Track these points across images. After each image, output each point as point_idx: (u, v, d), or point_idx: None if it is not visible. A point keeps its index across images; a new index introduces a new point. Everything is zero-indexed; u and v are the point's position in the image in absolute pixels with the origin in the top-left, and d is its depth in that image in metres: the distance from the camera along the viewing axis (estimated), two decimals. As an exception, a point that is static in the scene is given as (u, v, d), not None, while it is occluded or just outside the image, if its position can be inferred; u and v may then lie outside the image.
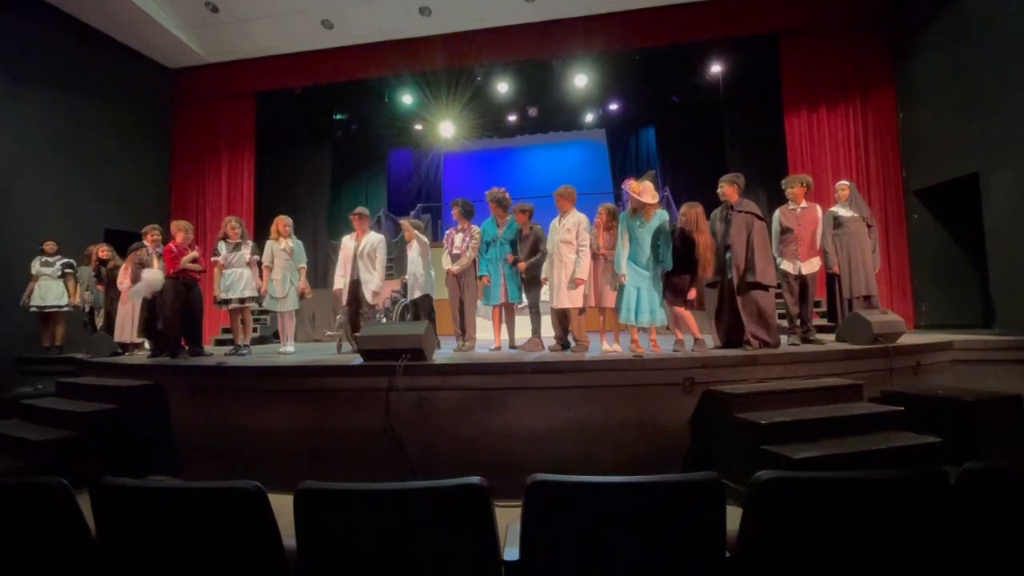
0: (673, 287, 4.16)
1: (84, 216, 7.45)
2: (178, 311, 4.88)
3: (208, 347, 5.78)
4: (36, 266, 6.44)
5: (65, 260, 6.48)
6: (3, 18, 6.64)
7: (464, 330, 4.79)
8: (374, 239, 5.15)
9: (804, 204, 4.59)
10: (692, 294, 4.16)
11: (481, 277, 4.78)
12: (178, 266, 4.88)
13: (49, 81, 7.18)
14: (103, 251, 6.24)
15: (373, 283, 5.06)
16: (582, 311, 4.34)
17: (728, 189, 4.28)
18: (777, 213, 4.67)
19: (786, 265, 4.53)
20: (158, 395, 4.07)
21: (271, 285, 5.19)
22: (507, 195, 4.78)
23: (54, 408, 4.03)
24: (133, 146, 8.42)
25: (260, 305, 5.39)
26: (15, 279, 6.42)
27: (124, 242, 6.13)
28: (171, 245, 5.00)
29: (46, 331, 6.51)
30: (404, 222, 5.34)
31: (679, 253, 4.07)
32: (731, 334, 4.21)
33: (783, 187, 4.75)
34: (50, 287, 6.41)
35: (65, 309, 6.49)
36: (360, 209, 5.29)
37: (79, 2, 7.24)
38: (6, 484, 1.52)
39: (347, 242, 5.28)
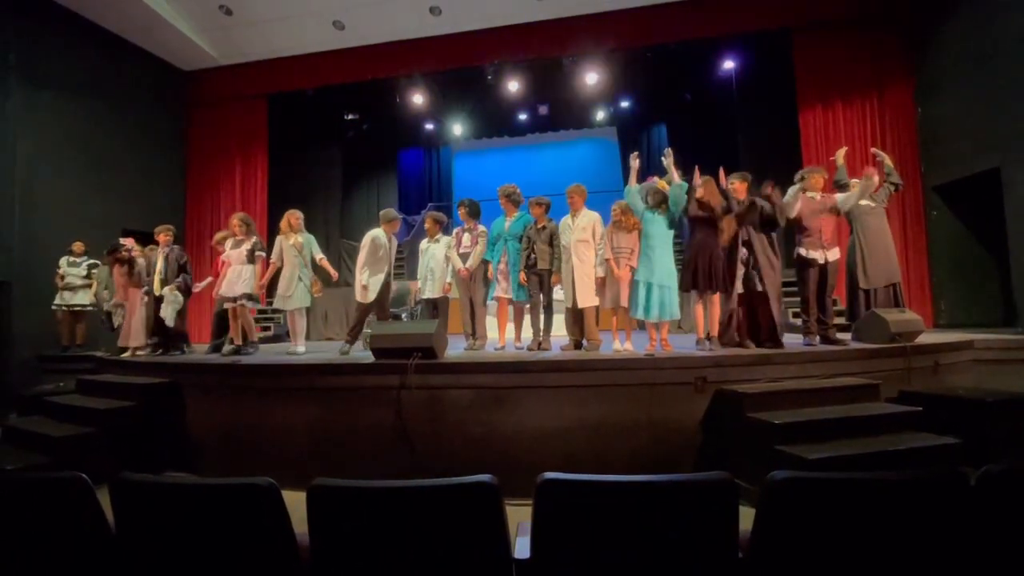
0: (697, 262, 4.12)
1: (102, 216, 7.59)
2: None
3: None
4: (63, 265, 6.59)
5: (91, 261, 6.61)
6: (23, 25, 6.79)
7: (474, 329, 4.80)
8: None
9: (822, 195, 4.48)
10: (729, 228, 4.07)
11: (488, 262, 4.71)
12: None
13: (68, 85, 7.33)
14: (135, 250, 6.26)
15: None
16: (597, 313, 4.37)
17: (739, 186, 4.26)
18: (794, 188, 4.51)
19: (812, 253, 4.37)
20: (175, 393, 4.14)
21: (280, 283, 4.98)
22: (518, 191, 4.76)
23: (75, 405, 4.13)
24: (149, 147, 8.57)
25: (254, 302, 5.09)
26: (36, 279, 6.57)
27: (140, 242, 6.21)
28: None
29: (66, 330, 6.64)
30: (431, 215, 5.12)
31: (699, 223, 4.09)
32: (758, 335, 4.18)
33: (798, 179, 4.59)
34: (76, 286, 6.56)
35: (90, 308, 6.64)
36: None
37: (97, 7, 7.38)
38: (30, 478, 1.57)
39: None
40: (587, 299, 4.26)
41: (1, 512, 1.47)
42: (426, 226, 5.08)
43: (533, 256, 4.46)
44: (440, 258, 4.93)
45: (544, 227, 4.49)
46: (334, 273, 5.30)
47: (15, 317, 6.51)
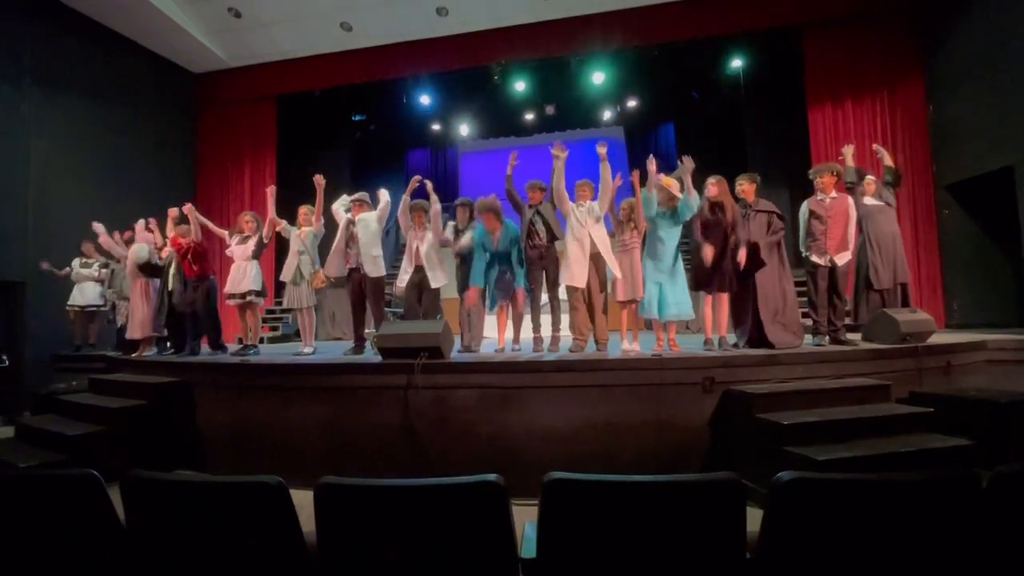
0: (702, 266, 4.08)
1: (113, 218, 7.63)
2: (190, 308, 4.96)
3: (231, 345, 5.75)
4: (76, 267, 6.67)
5: (103, 260, 6.70)
6: (37, 29, 6.89)
7: (471, 328, 4.73)
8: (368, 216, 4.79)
9: (834, 194, 4.38)
10: (742, 256, 3.98)
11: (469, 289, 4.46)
12: (197, 268, 4.91)
13: (81, 88, 7.43)
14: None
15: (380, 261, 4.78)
16: (605, 310, 4.32)
17: (748, 187, 4.26)
18: (805, 205, 4.49)
19: (815, 258, 4.34)
20: (186, 392, 4.18)
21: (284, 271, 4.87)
22: (498, 202, 4.46)
23: (87, 404, 4.18)
24: (159, 149, 8.66)
25: (261, 298, 5.03)
26: (49, 279, 6.66)
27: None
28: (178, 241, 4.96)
29: (79, 329, 6.73)
30: (418, 204, 4.78)
31: (708, 226, 4.06)
32: (753, 333, 4.14)
33: (811, 177, 4.56)
34: (89, 287, 6.64)
35: (104, 308, 6.72)
36: (361, 194, 4.93)
37: (109, 12, 7.48)
38: (43, 475, 1.59)
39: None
40: (613, 268, 4.17)
41: (15, 509, 1.50)
42: (412, 216, 4.77)
43: (536, 238, 4.33)
44: (433, 246, 4.70)
45: (541, 203, 4.37)
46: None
47: (28, 317, 6.61)
